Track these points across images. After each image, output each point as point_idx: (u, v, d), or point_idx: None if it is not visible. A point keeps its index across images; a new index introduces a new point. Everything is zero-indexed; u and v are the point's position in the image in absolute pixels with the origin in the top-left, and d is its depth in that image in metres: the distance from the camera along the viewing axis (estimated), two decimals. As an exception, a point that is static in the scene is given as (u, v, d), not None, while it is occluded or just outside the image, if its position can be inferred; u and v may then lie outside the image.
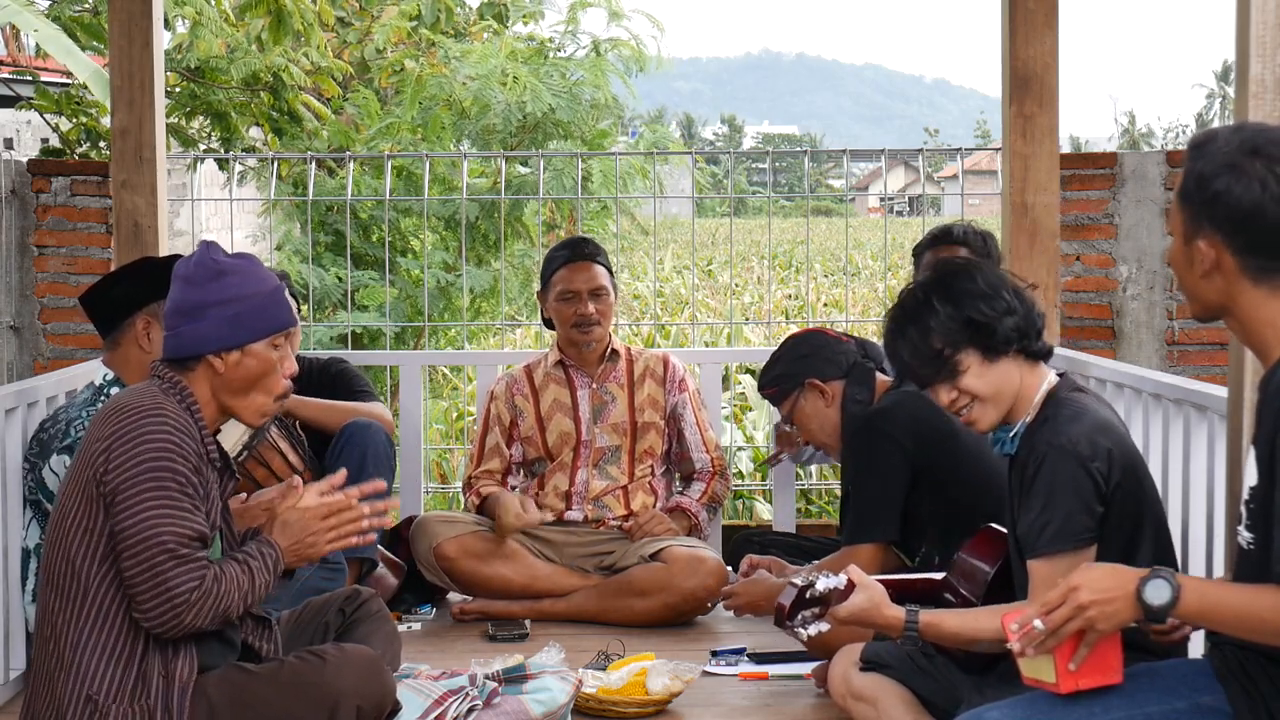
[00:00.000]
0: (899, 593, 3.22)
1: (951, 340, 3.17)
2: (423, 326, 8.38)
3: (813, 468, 6.79)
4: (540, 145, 9.10)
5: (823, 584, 3.08)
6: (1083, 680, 2.63)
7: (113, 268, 5.06)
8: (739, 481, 7.30)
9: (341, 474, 3.32)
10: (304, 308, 6.97)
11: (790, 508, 5.59)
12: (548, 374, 5.15)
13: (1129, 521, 3.08)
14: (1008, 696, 2.80)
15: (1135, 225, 6.37)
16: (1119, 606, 2.54)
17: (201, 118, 9.02)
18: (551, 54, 10.01)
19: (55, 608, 3.02)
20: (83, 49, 8.03)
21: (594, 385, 5.12)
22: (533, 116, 8.95)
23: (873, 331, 8.18)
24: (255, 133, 9.54)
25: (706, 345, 11.22)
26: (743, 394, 9.47)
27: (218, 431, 3.20)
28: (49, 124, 8.47)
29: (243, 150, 8.83)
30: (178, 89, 8.87)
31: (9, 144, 10.62)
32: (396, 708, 3.31)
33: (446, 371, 10.77)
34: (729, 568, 4.81)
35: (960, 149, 7.09)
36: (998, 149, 5.76)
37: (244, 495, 3.42)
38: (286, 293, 3.46)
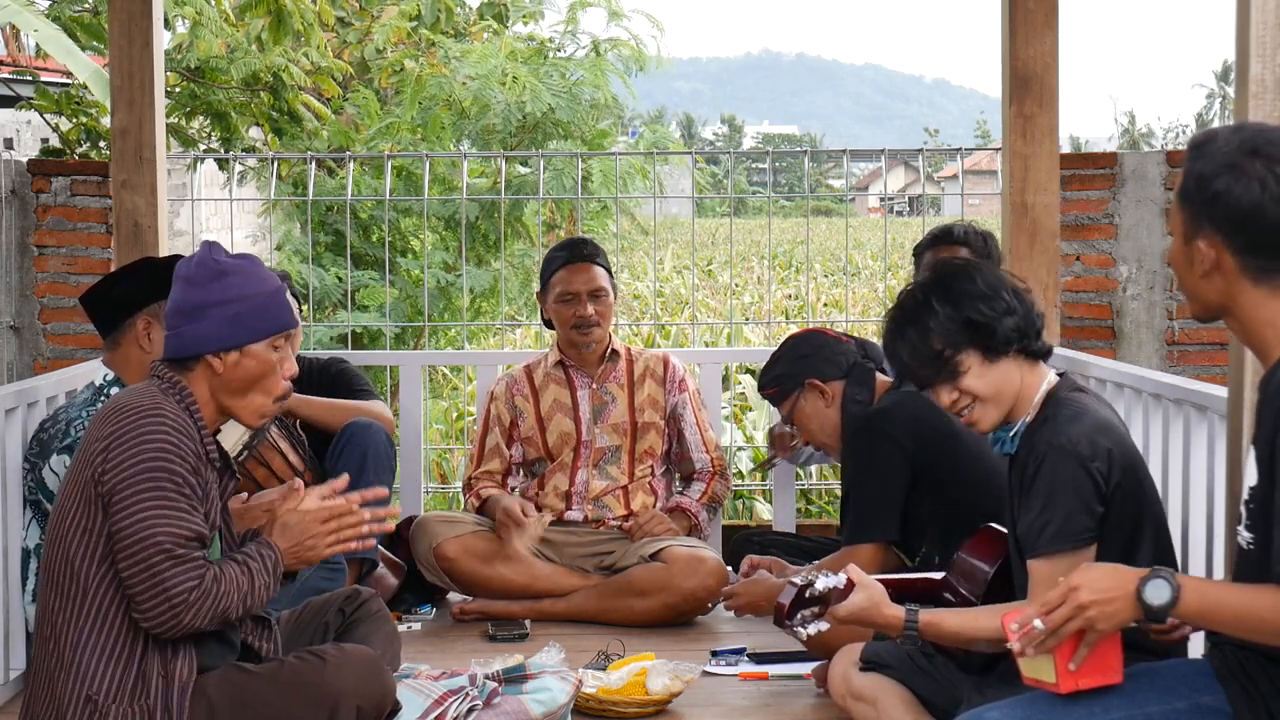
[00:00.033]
0: (898, 592, 3.22)
1: (951, 341, 3.17)
2: (423, 326, 8.38)
3: (813, 468, 6.79)
4: (540, 145, 9.10)
5: (822, 583, 3.08)
6: (1083, 680, 2.63)
7: (113, 268, 5.06)
8: (739, 481, 7.29)
9: (344, 479, 3.32)
10: (304, 308, 6.96)
11: (790, 508, 5.59)
12: (548, 374, 5.15)
13: (1129, 521, 3.08)
14: (1008, 696, 2.80)
15: (1135, 225, 6.36)
16: (1119, 606, 2.54)
17: (201, 118, 9.02)
18: (551, 54, 10.01)
19: (55, 608, 3.02)
20: (83, 49, 8.03)
21: (594, 385, 5.12)
22: (532, 116, 8.95)
23: (873, 331, 8.18)
24: (255, 133, 9.54)
25: (706, 345, 11.21)
26: (743, 394, 9.46)
27: (218, 431, 3.20)
28: (49, 124, 8.47)
29: (243, 150, 8.83)
30: (178, 89, 8.88)
31: (9, 144, 10.62)
32: (396, 708, 3.31)
33: (446, 371, 10.77)
34: (729, 568, 4.81)
35: (960, 149, 7.08)
36: (998, 149, 5.76)
37: (244, 495, 3.41)
38: (288, 293, 3.46)
